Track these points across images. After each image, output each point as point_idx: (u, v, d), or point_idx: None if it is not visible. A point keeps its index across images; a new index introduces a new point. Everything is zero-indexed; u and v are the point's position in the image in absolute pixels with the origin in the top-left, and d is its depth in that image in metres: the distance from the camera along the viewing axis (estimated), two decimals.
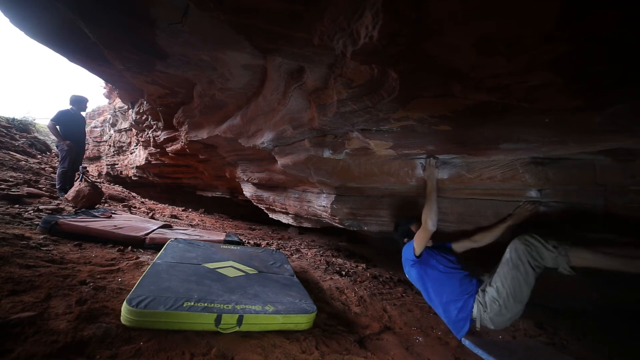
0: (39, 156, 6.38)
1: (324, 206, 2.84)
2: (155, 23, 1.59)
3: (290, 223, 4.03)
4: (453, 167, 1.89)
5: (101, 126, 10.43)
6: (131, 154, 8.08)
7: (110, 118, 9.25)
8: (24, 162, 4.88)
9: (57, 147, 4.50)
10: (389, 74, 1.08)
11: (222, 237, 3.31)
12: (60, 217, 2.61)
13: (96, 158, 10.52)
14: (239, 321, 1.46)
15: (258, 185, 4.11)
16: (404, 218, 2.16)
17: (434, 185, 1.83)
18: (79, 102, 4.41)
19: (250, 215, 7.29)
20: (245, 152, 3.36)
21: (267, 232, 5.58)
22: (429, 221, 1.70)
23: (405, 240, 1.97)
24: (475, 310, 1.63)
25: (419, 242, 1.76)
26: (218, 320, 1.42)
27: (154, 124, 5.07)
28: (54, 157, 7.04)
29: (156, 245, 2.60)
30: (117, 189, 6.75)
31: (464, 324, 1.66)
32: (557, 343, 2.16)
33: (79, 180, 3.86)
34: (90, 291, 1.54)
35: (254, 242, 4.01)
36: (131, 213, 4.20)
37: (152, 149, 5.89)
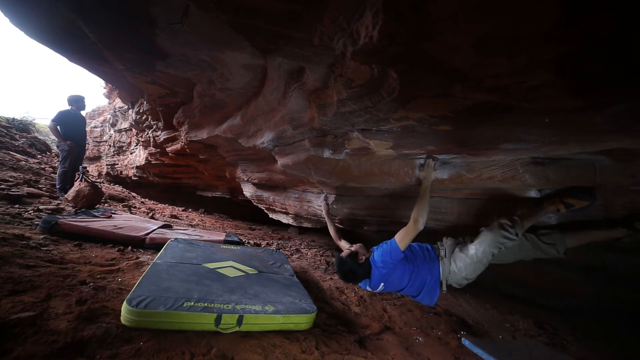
0: (39, 156, 6.38)
1: None
2: (156, 23, 1.59)
3: (290, 223, 4.03)
4: (453, 167, 1.89)
5: (101, 126, 10.43)
6: (131, 154, 8.08)
7: (110, 118, 9.25)
8: (24, 162, 4.88)
9: (58, 147, 4.50)
10: (389, 74, 1.08)
11: (222, 237, 3.31)
12: (60, 217, 2.61)
13: (96, 158, 10.51)
14: (239, 321, 1.46)
15: (258, 185, 4.11)
16: (342, 255, 1.89)
17: (428, 186, 1.83)
18: (78, 102, 4.40)
19: (250, 215, 7.29)
20: (245, 152, 3.36)
21: (267, 232, 5.58)
22: (420, 220, 1.72)
23: (360, 259, 1.82)
24: (441, 275, 1.84)
25: (406, 240, 1.76)
26: (218, 320, 1.42)
27: (154, 124, 5.07)
28: (54, 157, 7.04)
29: (156, 245, 2.60)
30: (117, 189, 6.75)
31: (436, 288, 1.86)
32: (557, 343, 2.16)
33: (79, 180, 3.86)
34: (90, 291, 1.54)
35: (254, 242, 4.01)
36: (131, 213, 4.20)
37: (152, 149, 5.89)
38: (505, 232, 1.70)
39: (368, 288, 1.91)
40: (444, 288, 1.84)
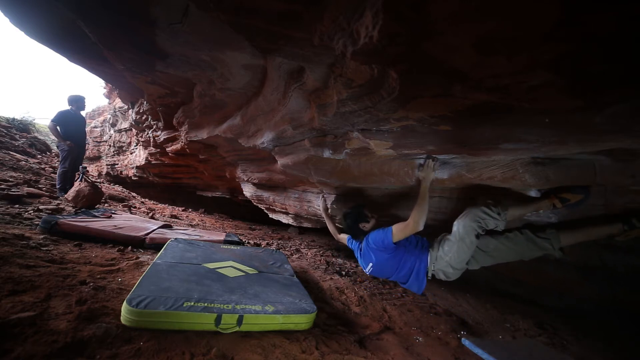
0: (39, 156, 6.38)
1: None
2: (156, 23, 1.59)
3: (290, 223, 4.03)
4: (453, 167, 1.89)
5: (101, 126, 10.43)
6: (131, 154, 8.08)
7: (110, 118, 9.25)
8: (24, 162, 4.88)
9: (57, 147, 4.51)
10: (389, 74, 1.08)
11: (222, 237, 3.31)
12: (60, 217, 2.61)
13: (96, 158, 10.52)
14: (239, 321, 1.46)
15: (258, 185, 4.11)
16: (348, 208, 2.19)
17: (427, 186, 1.83)
18: (78, 102, 4.40)
19: (250, 215, 7.29)
20: (245, 152, 3.36)
21: (267, 232, 5.58)
22: (420, 222, 1.76)
23: (364, 225, 2.05)
24: (429, 262, 1.90)
25: (401, 235, 1.83)
26: (218, 320, 1.42)
27: (154, 124, 5.07)
28: (54, 157, 7.04)
29: (156, 245, 2.60)
30: (117, 189, 6.75)
31: (424, 278, 1.91)
32: (557, 343, 2.16)
33: (79, 180, 3.86)
34: (90, 291, 1.54)
35: (254, 242, 4.02)
36: (131, 213, 4.20)
37: (152, 149, 5.89)
38: (486, 208, 1.75)
39: (366, 269, 2.04)
40: (429, 275, 1.89)
